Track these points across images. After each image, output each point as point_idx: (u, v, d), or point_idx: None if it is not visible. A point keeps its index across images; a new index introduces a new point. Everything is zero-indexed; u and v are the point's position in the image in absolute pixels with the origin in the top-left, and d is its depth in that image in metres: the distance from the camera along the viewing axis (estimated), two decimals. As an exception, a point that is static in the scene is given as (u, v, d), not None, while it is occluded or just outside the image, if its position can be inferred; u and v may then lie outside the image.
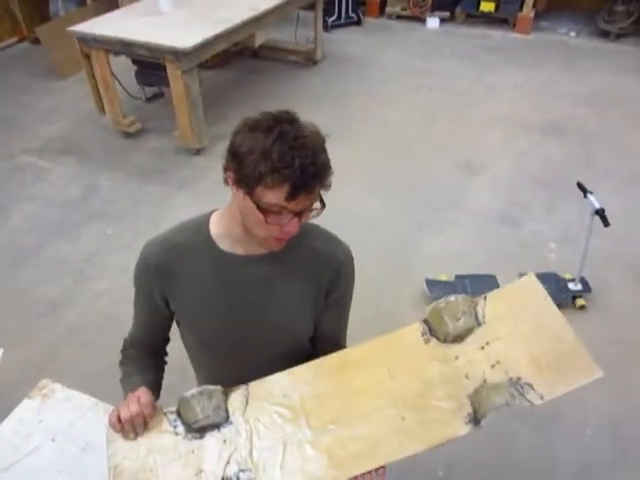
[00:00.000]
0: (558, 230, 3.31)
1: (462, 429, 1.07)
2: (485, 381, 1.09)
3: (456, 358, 1.13)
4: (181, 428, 1.13)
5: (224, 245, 1.16)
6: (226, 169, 1.06)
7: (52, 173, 4.02)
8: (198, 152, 4.05)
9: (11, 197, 3.80)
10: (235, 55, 5.41)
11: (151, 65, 3.87)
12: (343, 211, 3.39)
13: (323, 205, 1.07)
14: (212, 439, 1.11)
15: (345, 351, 1.17)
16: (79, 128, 4.50)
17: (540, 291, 1.15)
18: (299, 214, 1.03)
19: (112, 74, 4.06)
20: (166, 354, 1.42)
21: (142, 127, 4.33)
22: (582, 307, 2.79)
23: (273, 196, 0.99)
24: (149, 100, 4.65)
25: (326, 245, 1.21)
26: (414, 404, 1.10)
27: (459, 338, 1.14)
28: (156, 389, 1.31)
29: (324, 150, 1.03)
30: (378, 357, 1.14)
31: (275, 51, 5.46)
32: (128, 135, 4.28)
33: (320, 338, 1.30)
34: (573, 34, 5.81)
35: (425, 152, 4.04)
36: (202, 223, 1.19)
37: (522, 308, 1.15)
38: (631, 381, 2.48)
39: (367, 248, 3.11)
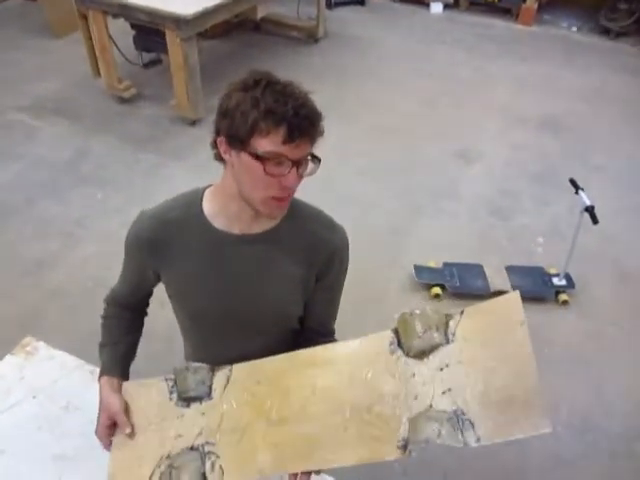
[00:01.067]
0: (547, 224, 3.34)
1: (393, 453, 1.01)
2: (430, 407, 1.01)
3: (413, 375, 1.06)
4: (175, 395, 1.21)
5: (217, 223, 1.15)
6: (217, 135, 1.05)
7: (43, 133, 3.96)
8: (194, 123, 4.01)
9: (0, 154, 3.74)
10: (236, 27, 5.33)
11: (150, 31, 3.81)
12: (336, 191, 3.39)
13: (318, 160, 1.07)
14: (194, 410, 1.19)
15: (318, 348, 1.15)
16: (73, 89, 4.43)
17: (519, 314, 1.03)
18: (297, 163, 1.02)
19: (109, 37, 3.98)
20: (146, 314, 1.43)
21: (138, 93, 4.27)
22: (565, 302, 2.83)
23: (269, 142, 0.98)
24: (146, 66, 4.57)
25: (323, 229, 1.20)
26: (361, 416, 1.06)
27: (422, 354, 1.06)
28: (130, 354, 1.34)
29: (313, 102, 1.04)
30: (345, 361, 1.12)
31: (277, 26, 5.39)
32: (123, 100, 4.22)
33: (309, 321, 1.30)
34: (574, 29, 5.80)
35: (422, 137, 4.04)
36: (195, 199, 1.18)
37: (495, 331, 1.04)
38: (604, 375, 2.54)
39: (358, 229, 3.08)
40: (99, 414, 1.24)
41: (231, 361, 1.19)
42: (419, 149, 3.93)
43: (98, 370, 1.55)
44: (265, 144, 0.98)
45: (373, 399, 1.06)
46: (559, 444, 2.29)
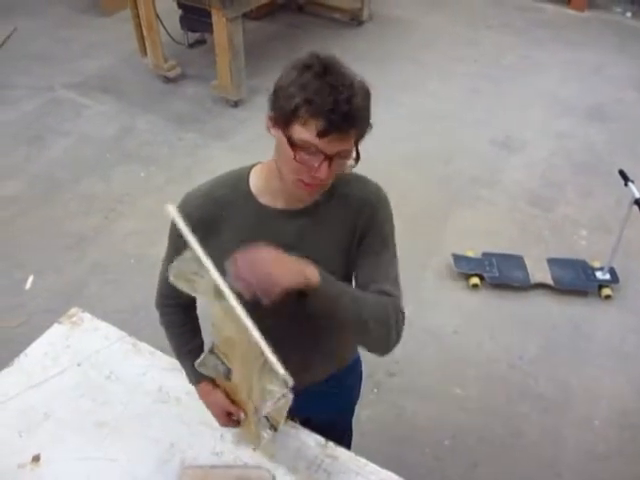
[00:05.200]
0: (591, 216, 3.25)
1: None
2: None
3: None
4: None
5: (263, 199, 1.16)
6: (270, 110, 1.05)
7: (90, 110, 4.05)
8: (236, 104, 4.03)
9: (49, 129, 3.85)
10: (280, 8, 5.30)
11: (196, 10, 3.83)
12: (375, 175, 3.36)
13: (358, 157, 1.05)
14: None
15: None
16: (120, 68, 4.50)
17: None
18: (330, 158, 1.01)
19: (157, 16, 4.02)
20: (195, 308, 1.40)
21: (182, 72, 4.31)
22: (608, 297, 2.76)
23: (304, 131, 0.98)
24: (191, 46, 4.60)
25: (356, 190, 1.19)
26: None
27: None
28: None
29: (365, 98, 1.01)
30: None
31: (321, 7, 5.34)
32: (167, 80, 4.27)
33: (369, 284, 1.21)
34: (629, 14, 5.56)
35: (463, 124, 3.96)
36: (242, 177, 1.19)
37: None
38: (645, 372, 2.48)
39: (396, 215, 3.07)
40: (212, 412, 1.35)
41: (274, 339, 1.20)
42: (460, 135, 3.86)
43: (140, 343, 1.60)
44: (301, 132, 0.99)
45: None
46: (596, 439, 2.25)
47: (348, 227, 1.19)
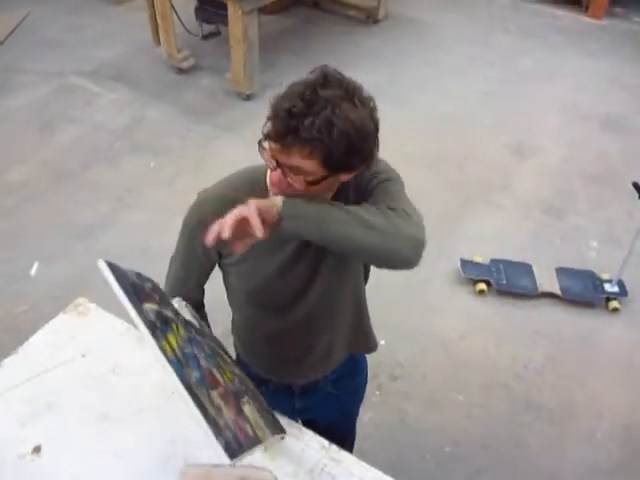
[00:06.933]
0: (602, 228, 3.22)
1: None
2: None
3: None
4: None
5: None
6: None
7: (101, 98, 4.03)
8: (248, 97, 4.01)
9: (59, 117, 3.84)
10: (295, 3, 5.28)
11: (212, 2, 3.81)
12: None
13: (323, 178, 0.99)
14: None
15: None
16: (132, 57, 4.48)
17: None
18: (281, 167, 0.99)
19: (171, 6, 4.00)
20: (204, 305, 1.41)
21: (195, 64, 4.30)
22: (615, 310, 2.73)
23: (269, 129, 0.98)
24: (205, 38, 4.58)
25: (367, 175, 1.15)
26: None
27: None
28: None
29: (353, 133, 0.94)
30: None
31: (336, 4, 5.30)
32: (181, 70, 4.25)
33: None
34: (649, 25, 5.52)
35: (477, 128, 3.93)
36: (258, 176, 1.15)
37: None
38: (651, 387, 2.46)
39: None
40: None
41: (279, 337, 1.19)
42: (472, 139, 3.83)
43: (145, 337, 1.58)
44: (267, 126, 0.98)
45: None
46: (599, 452, 2.23)
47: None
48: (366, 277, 1.36)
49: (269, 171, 1.04)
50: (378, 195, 1.12)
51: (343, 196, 1.13)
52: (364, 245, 1.00)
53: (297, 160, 0.97)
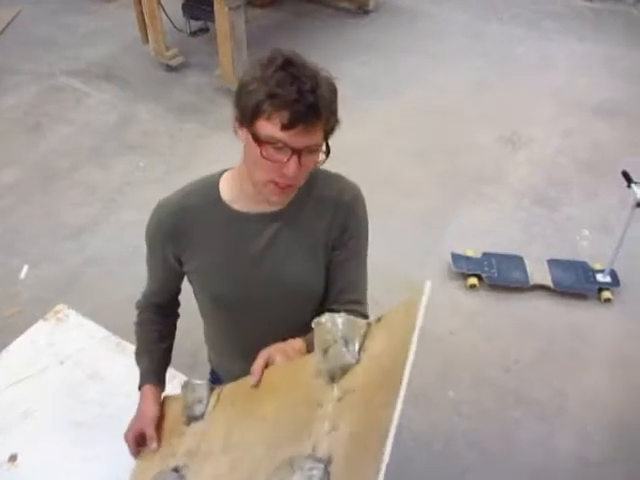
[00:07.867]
0: (595, 217, 3.19)
1: None
2: (312, 452, 0.82)
3: (319, 406, 0.87)
4: (185, 412, 1.19)
5: (237, 204, 1.14)
6: (235, 110, 1.02)
7: (91, 98, 4.02)
8: (237, 93, 3.98)
9: (49, 117, 3.83)
10: (286, -5, 5.24)
11: (199, -2, 3.78)
12: (376, 169, 3.33)
13: (327, 152, 1.02)
14: (191, 429, 1.16)
15: (272, 369, 1.03)
16: (122, 55, 4.46)
17: (411, 320, 0.80)
18: (298, 152, 0.98)
19: (159, 3, 3.97)
20: (178, 315, 1.40)
21: (184, 61, 4.27)
22: (607, 300, 2.71)
23: (270, 126, 0.96)
24: (193, 34, 4.55)
25: (333, 190, 1.16)
26: (267, 452, 0.92)
27: (332, 378, 0.88)
28: (165, 360, 1.34)
29: (331, 91, 0.99)
30: (284, 385, 0.99)
31: (327, -4, 5.26)
32: (169, 68, 4.23)
33: (341, 292, 1.22)
34: (640, 6, 5.45)
35: (469, 118, 3.90)
36: (212, 184, 1.17)
37: (391, 345, 0.84)
38: (641, 378, 2.44)
39: (398, 212, 3.06)
40: (133, 421, 1.24)
41: (251, 346, 1.18)
42: (465, 131, 3.80)
43: (124, 342, 1.58)
44: (265, 127, 0.96)
45: (280, 436, 0.93)
46: (589, 445, 2.22)
47: (323, 229, 1.16)
48: None
49: (275, 166, 0.99)
50: (347, 241, 1.18)
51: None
52: None
53: (318, 135, 0.98)
